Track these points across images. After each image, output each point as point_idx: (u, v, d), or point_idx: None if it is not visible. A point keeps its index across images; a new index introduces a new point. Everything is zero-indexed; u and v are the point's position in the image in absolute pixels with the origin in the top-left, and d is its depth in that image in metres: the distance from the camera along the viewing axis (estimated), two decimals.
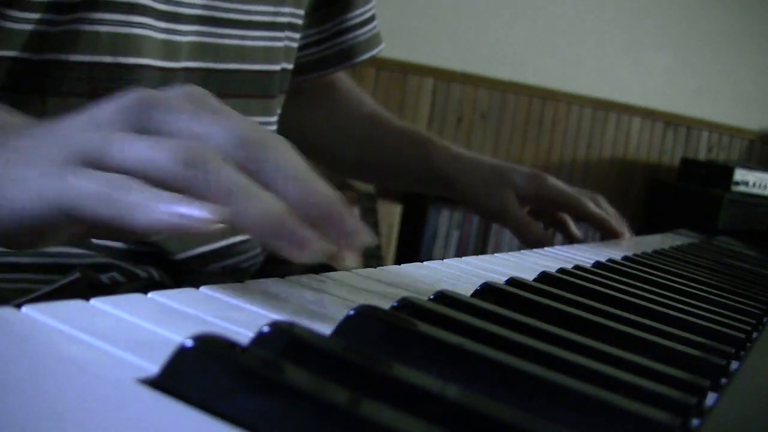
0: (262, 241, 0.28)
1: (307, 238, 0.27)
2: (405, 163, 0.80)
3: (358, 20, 0.75)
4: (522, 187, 0.76)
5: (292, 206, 0.28)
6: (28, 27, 0.48)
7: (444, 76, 2.61)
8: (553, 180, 0.76)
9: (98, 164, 0.28)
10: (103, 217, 0.27)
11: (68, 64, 0.49)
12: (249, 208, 0.27)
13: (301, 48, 0.71)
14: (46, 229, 0.30)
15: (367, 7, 0.76)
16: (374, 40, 0.77)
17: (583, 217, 0.77)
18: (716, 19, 2.90)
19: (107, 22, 0.49)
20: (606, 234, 0.78)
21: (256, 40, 0.60)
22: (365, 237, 0.30)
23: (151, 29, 0.51)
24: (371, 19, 0.77)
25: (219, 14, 0.57)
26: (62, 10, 0.48)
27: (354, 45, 0.75)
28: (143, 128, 0.29)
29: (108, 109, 0.30)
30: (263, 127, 0.31)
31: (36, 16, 0.47)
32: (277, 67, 0.64)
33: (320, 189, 0.29)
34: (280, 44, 0.63)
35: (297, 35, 0.67)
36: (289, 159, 0.30)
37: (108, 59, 0.50)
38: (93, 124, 0.30)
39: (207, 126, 0.29)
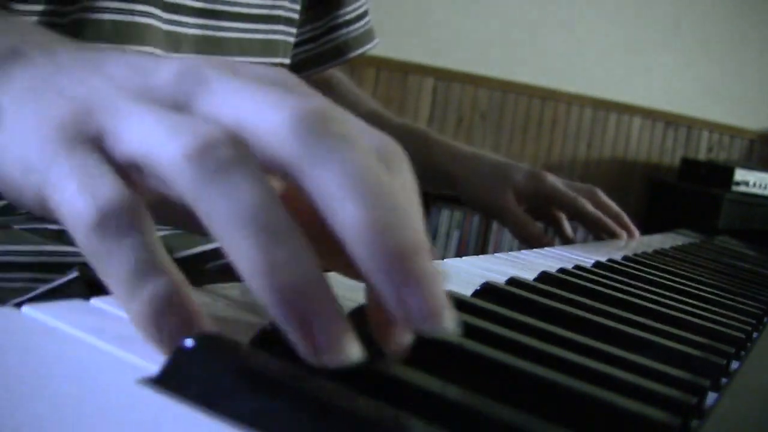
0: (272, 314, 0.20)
1: (334, 337, 0.19)
2: None
3: (350, 16, 0.75)
4: (521, 185, 0.77)
5: (344, 240, 0.20)
6: (33, 19, 0.48)
7: (444, 76, 2.61)
8: (551, 178, 0.77)
9: (102, 146, 0.23)
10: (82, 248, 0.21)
11: None
12: (257, 257, 0.19)
13: (296, 45, 0.72)
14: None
15: (360, 2, 0.76)
16: (367, 36, 0.78)
17: (580, 216, 0.77)
18: (717, 20, 2.90)
19: (110, 10, 0.50)
20: (602, 233, 0.78)
21: (254, 33, 0.61)
22: (444, 323, 0.20)
23: (155, 19, 0.52)
24: (364, 14, 0.77)
25: (219, 7, 0.57)
26: (67, 1, 0.49)
27: (348, 40, 0.76)
28: (181, 102, 0.24)
29: (162, 71, 0.24)
30: (347, 114, 0.24)
31: (40, 8, 0.48)
32: (275, 61, 0.64)
33: (403, 222, 0.20)
34: (278, 37, 0.64)
35: (293, 30, 0.67)
36: (367, 163, 0.21)
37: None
38: (131, 84, 0.24)
39: (259, 107, 0.22)
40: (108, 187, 0.21)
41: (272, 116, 0.22)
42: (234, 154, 0.21)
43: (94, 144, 0.23)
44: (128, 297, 0.21)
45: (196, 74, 0.24)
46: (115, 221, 0.21)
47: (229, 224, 0.20)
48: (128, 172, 0.23)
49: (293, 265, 0.19)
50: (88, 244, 0.21)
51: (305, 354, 0.19)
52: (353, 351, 0.19)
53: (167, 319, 0.20)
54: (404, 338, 0.22)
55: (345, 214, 0.20)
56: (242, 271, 0.20)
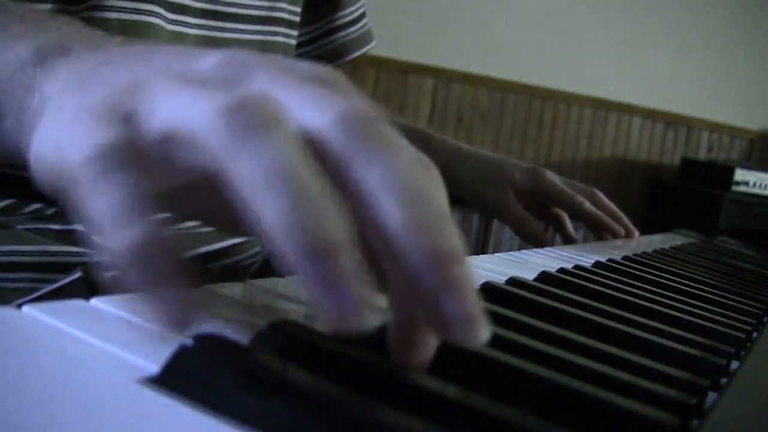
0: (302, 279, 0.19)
1: (360, 298, 0.19)
2: None
3: (348, 19, 0.75)
4: (520, 182, 0.77)
5: (385, 237, 0.20)
6: None
7: (444, 76, 2.61)
8: (550, 176, 0.77)
9: (137, 125, 0.23)
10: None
11: None
12: (286, 213, 0.19)
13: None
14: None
15: (357, 5, 0.76)
16: (365, 38, 0.78)
17: (577, 214, 0.78)
18: (716, 19, 2.90)
19: (117, 9, 0.50)
20: (601, 232, 0.79)
21: (254, 34, 0.61)
22: (479, 331, 0.20)
23: (160, 18, 0.52)
24: (361, 17, 0.77)
25: (220, 8, 0.58)
26: (75, 0, 0.49)
27: (345, 43, 0.76)
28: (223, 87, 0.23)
29: (206, 59, 0.24)
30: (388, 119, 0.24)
31: (47, 6, 0.48)
32: None
33: (444, 226, 0.21)
34: (278, 39, 0.64)
35: (294, 32, 0.67)
36: (411, 166, 0.22)
37: None
38: (174, 70, 0.24)
39: (303, 102, 0.22)
40: (110, 130, 0.22)
41: (316, 113, 0.22)
42: (267, 112, 0.21)
43: (125, 119, 0.23)
44: (116, 228, 0.20)
45: (240, 63, 0.24)
46: (107, 158, 0.21)
47: (259, 180, 0.20)
48: (159, 155, 0.22)
49: (323, 223, 0.19)
50: (81, 177, 0.21)
51: (329, 313, 0.19)
52: (373, 315, 0.19)
53: (156, 255, 0.20)
54: (426, 354, 0.22)
55: (389, 212, 0.20)
56: (270, 228, 0.19)
